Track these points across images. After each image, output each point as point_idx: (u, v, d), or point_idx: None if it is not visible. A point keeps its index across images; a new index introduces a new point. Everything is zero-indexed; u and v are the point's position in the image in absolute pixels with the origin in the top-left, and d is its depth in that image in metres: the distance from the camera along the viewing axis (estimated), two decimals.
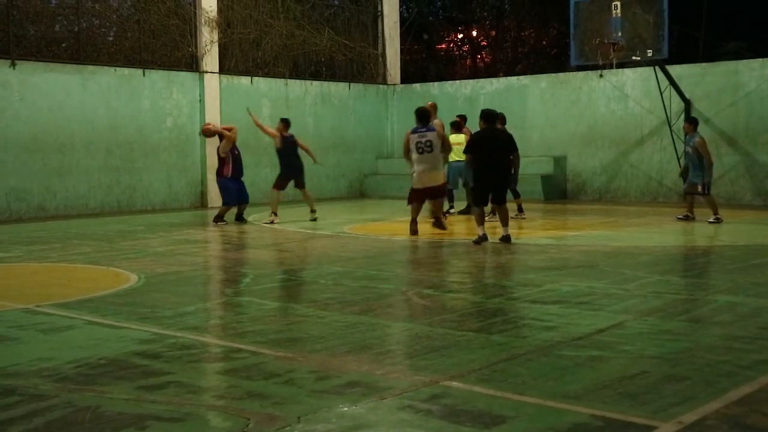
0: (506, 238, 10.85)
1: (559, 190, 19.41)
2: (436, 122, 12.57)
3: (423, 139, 11.76)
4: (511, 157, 11.70)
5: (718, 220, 13.12)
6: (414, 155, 11.81)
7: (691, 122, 13.80)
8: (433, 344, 5.52)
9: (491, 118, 11.18)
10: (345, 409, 4.19)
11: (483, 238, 10.80)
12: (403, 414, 4.12)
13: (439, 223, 12.14)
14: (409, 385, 4.56)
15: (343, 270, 9.03)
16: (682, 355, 5.17)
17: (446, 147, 12.16)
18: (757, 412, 4.10)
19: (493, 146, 10.91)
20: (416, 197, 11.97)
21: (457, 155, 13.84)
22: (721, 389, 4.42)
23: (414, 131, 11.94)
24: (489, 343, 5.56)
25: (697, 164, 13.33)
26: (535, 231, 12.62)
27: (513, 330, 5.95)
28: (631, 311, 6.53)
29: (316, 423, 3.99)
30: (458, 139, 14.28)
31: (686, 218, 13.55)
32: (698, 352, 5.24)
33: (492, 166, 10.85)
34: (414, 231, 11.84)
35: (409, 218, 12.03)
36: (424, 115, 11.99)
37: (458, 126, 14.98)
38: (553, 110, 19.90)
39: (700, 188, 13.33)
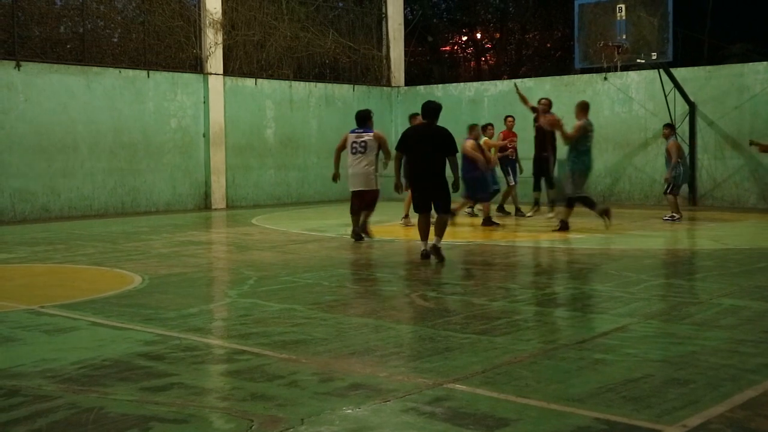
0: (435, 249, 9.46)
1: (562, 193, 19.35)
2: (548, 117, 12.47)
3: (359, 140, 11.67)
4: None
5: (672, 218, 13.94)
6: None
7: (668, 127, 14.75)
8: (437, 347, 5.51)
9: (427, 113, 9.64)
10: (348, 411, 4.19)
11: (425, 254, 9.60)
12: (407, 416, 4.12)
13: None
14: (412, 388, 4.56)
15: (346, 272, 9.03)
16: (686, 358, 5.16)
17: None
18: (761, 416, 4.09)
19: (420, 144, 9.45)
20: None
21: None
22: (725, 393, 4.41)
23: (352, 131, 11.81)
24: (492, 345, 5.55)
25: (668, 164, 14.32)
26: (538, 234, 12.60)
27: (516, 333, 5.94)
28: (635, 314, 6.52)
29: (320, 425, 3.99)
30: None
31: (672, 219, 14.07)
32: (702, 355, 5.23)
33: (417, 167, 9.54)
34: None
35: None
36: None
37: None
38: (556, 112, 19.81)
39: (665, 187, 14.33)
